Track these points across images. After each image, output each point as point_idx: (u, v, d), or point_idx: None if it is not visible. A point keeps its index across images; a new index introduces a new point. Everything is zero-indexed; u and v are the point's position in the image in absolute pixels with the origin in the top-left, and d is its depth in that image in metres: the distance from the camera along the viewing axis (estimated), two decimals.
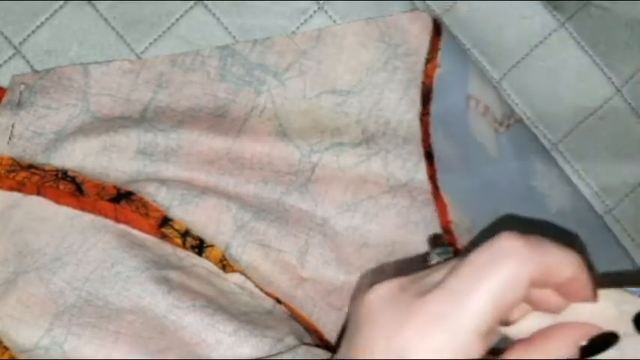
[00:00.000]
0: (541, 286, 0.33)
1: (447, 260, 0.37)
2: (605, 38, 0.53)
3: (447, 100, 0.50)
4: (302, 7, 0.49)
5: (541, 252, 0.33)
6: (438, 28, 0.50)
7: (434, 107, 0.49)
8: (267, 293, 0.45)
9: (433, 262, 0.38)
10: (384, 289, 0.35)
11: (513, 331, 0.35)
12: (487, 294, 0.32)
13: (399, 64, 0.49)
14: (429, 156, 0.49)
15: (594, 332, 0.35)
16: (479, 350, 0.33)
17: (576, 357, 0.35)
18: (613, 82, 0.53)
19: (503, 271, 0.32)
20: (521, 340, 0.35)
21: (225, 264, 0.46)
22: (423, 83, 0.49)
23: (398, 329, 0.33)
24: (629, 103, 0.53)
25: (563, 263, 0.33)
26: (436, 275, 0.35)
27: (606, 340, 0.35)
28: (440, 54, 0.49)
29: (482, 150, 0.50)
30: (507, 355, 0.34)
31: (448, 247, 0.38)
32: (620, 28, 0.53)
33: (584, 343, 0.34)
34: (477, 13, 0.52)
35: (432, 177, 0.48)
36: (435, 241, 0.47)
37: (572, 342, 0.34)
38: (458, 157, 0.50)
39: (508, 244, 0.33)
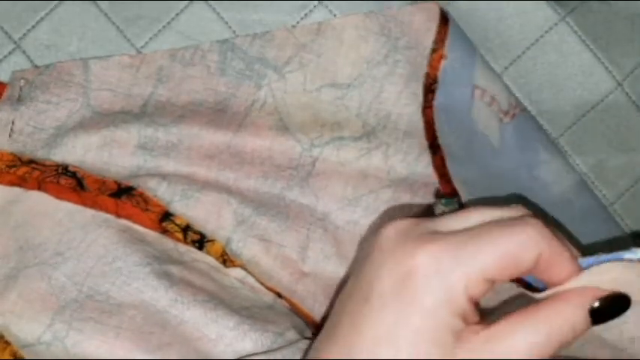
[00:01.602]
0: (539, 268, 0.35)
1: (453, 211, 0.39)
2: (606, 32, 0.53)
3: (452, 91, 0.49)
4: (302, 2, 0.49)
5: (558, 238, 0.35)
6: (445, 18, 0.50)
7: (438, 98, 0.49)
8: (267, 288, 0.45)
9: (439, 212, 0.39)
10: (399, 224, 0.37)
11: None
12: (501, 246, 0.34)
13: (399, 57, 0.49)
14: (434, 147, 0.49)
15: (605, 295, 0.35)
16: (478, 294, 0.35)
17: (588, 324, 0.35)
18: (614, 76, 0.53)
19: (523, 234, 0.34)
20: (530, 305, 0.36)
21: (225, 259, 0.46)
22: (427, 74, 0.49)
23: (409, 254, 0.35)
24: (630, 97, 0.53)
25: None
26: (452, 222, 0.36)
27: (618, 304, 0.35)
28: (447, 44, 0.49)
29: (486, 141, 0.50)
30: (515, 315, 0.35)
31: (453, 199, 0.40)
32: (621, 22, 0.53)
33: (595, 305, 0.35)
34: (477, 7, 0.52)
35: (440, 166, 0.48)
36: (438, 194, 0.48)
37: (581, 304, 0.35)
38: (461, 149, 0.49)
39: (536, 220, 0.35)
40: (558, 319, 0.35)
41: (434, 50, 0.49)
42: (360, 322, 0.35)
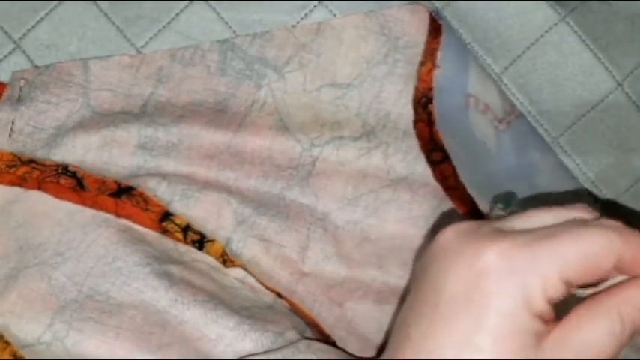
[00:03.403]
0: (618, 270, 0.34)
1: (512, 213, 0.37)
2: (607, 32, 0.53)
3: (447, 99, 0.49)
4: (302, 2, 0.49)
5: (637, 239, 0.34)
6: (436, 27, 0.49)
7: (437, 109, 0.49)
8: (267, 288, 0.45)
9: (495, 217, 0.37)
10: (460, 226, 0.35)
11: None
12: (582, 247, 0.33)
13: (399, 56, 0.49)
14: (443, 159, 0.48)
15: None
16: (555, 296, 0.33)
17: None
18: (614, 76, 0.53)
19: (603, 236, 0.33)
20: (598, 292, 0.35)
21: (225, 259, 0.46)
22: (417, 88, 0.49)
23: (478, 253, 0.33)
24: (630, 97, 0.53)
25: None
26: (517, 222, 0.35)
27: None
28: (439, 54, 0.49)
29: (484, 148, 0.50)
30: (586, 306, 0.34)
31: (510, 202, 0.38)
32: (621, 22, 0.53)
33: None
34: (477, 7, 0.52)
35: (450, 176, 0.48)
36: (496, 198, 0.47)
37: None
38: (466, 157, 0.49)
39: (616, 222, 0.34)
40: (628, 305, 0.34)
41: (422, 63, 0.49)
42: (432, 331, 0.33)
